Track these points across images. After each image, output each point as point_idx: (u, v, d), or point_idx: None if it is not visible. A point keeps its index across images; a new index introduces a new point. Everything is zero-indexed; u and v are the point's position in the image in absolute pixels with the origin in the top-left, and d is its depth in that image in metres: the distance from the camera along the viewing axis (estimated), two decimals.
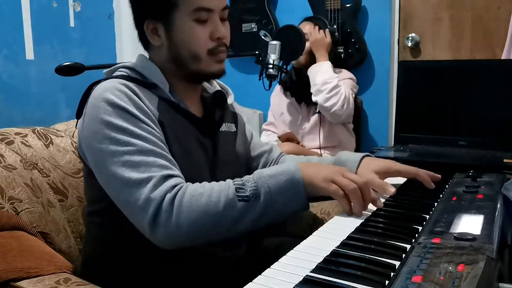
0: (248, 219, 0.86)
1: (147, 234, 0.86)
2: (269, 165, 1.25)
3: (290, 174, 0.89)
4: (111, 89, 0.93)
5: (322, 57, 2.35)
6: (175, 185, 0.87)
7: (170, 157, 0.92)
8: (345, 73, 2.47)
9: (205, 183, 0.90)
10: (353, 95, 2.41)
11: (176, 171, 0.91)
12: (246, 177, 0.90)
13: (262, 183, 0.87)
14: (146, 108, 0.94)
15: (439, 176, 1.12)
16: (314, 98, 2.32)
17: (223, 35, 1.01)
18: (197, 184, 0.89)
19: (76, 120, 1.01)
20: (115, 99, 0.91)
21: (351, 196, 0.88)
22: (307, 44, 2.37)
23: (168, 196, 0.85)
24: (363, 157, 1.13)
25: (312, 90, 2.32)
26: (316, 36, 2.37)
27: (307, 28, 2.40)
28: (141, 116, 0.92)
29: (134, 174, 0.86)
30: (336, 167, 0.96)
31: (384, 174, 1.09)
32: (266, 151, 1.26)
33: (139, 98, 0.94)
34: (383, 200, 1.00)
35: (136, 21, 1.04)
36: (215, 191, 0.87)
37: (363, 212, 0.90)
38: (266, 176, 0.88)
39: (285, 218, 0.90)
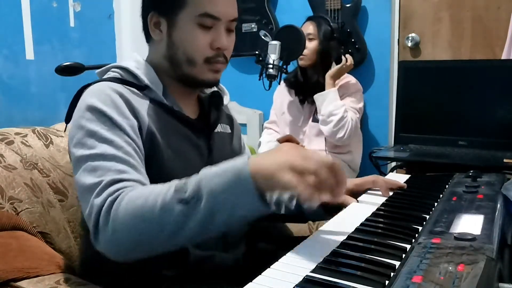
0: (191, 225, 0.75)
1: (93, 243, 0.83)
2: None
3: (236, 170, 0.75)
4: (97, 93, 0.92)
5: (329, 85, 2.31)
6: (120, 189, 0.81)
7: (135, 162, 0.87)
8: (353, 84, 2.45)
9: (151, 185, 0.83)
10: (360, 116, 2.40)
11: (133, 176, 0.85)
12: (192, 177, 0.79)
13: (205, 183, 0.76)
14: (129, 113, 0.91)
15: (404, 185, 1.09)
16: (320, 127, 2.34)
17: (224, 46, 0.98)
18: (143, 186, 0.83)
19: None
20: (96, 102, 0.90)
21: (318, 185, 0.72)
22: (313, 45, 2.37)
23: (109, 200, 0.79)
24: None
25: (318, 117, 2.34)
26: (345, 68, 2.32)
27: (310, 28, 2.40)
28: (118, 120, 0.89)
29: (88, 179, 0.83)
30: (299, 148, 0.79)
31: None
32: None
33: (128, 103, 0.92)
34: (383, 200, 1.00)
35: (142, 12, 1.03)
36: (154, 193, 0.78)
37: (362, 212, 0.89)
38: (211, 175, 0.77)
39: (242, 221, 0.79)
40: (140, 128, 0.92)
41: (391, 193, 1.07)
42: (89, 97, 0.92)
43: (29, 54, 2.74)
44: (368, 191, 1.12)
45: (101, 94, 0.92)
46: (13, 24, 2.66)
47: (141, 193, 0.79)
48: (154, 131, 0.94)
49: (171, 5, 0.97)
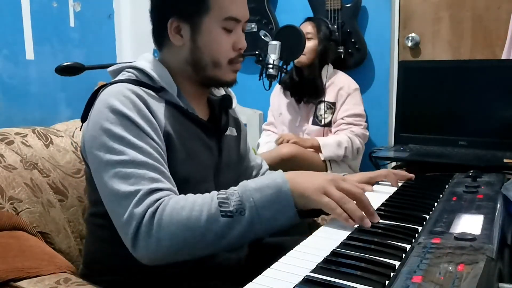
0: (233, 235, 0.82)
1: (130, 250, 0.85)
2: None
3: (277, 187, 0.84)
4: (116, 95, 0.92)
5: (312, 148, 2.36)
6: (159, 199, 0.85)
7: (164, 169, 0.90)
8: (350, 83, 2.46)
9: (189, 195, 0.87)
10: (365, 118, 2.44)
11: (167, 185, 0.88)
12: (231, 190, 0.86)
13: (247, 196, 0.83)
14: (150, 116, 0.92)
15: (412, 176, 1.20)
16: None
17: (244, 47, 1.03)
18: (181, 196, 0.87)
19: (78, 121, 1.00)
20: (119, 105, 0.90)
21: (346, 209, 0.82)
22: (311, 44, 2.38)
23: (150, 210, 0.83)
24: (343, 175, 1.19)
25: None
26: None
27: (309, 28, 2.41)
28: (143, 125, 0.90)
29: (123, 186, 0.85)
30: (330, 175, 0.89)
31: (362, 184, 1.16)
32: (257, 164, 1.27)
33: (146, 105, 0.93)
34: (384, 200, 1.00)
35: (157, 17, 1.02)
36: (198, 204, 0.83)
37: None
38: (251, 189, 0.84)
39: (275, 231, 0.85)
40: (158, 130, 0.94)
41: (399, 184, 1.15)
42: (109, 98, 0.92)
43: (29, 54, 2.74)
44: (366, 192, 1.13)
45: (121, 96, 0.92)
46: (13, 24, 2.66)
47: (184, 204, 0.84)
48: (171, 132, 0.95)
49: (195, 10, 0.97)
